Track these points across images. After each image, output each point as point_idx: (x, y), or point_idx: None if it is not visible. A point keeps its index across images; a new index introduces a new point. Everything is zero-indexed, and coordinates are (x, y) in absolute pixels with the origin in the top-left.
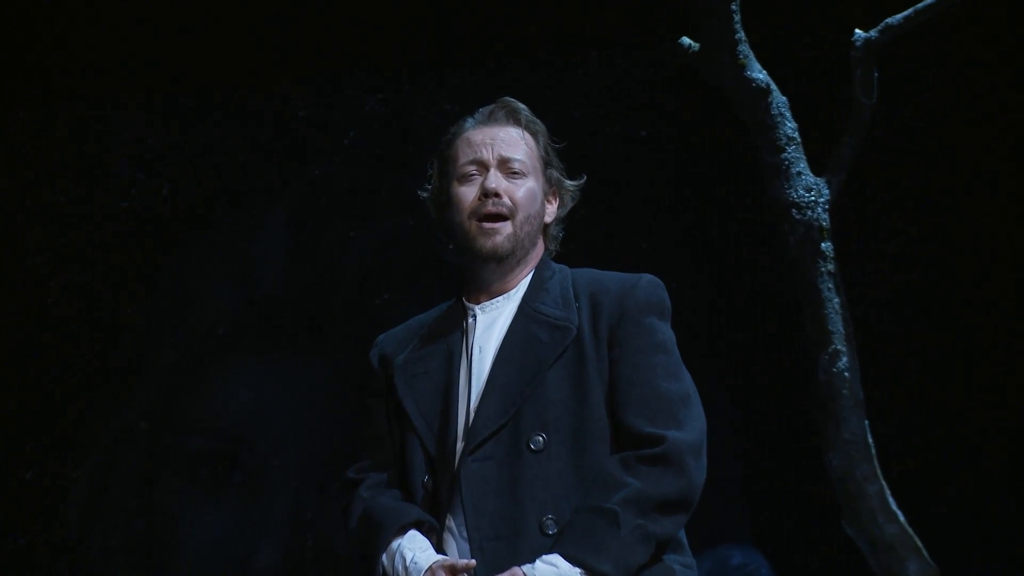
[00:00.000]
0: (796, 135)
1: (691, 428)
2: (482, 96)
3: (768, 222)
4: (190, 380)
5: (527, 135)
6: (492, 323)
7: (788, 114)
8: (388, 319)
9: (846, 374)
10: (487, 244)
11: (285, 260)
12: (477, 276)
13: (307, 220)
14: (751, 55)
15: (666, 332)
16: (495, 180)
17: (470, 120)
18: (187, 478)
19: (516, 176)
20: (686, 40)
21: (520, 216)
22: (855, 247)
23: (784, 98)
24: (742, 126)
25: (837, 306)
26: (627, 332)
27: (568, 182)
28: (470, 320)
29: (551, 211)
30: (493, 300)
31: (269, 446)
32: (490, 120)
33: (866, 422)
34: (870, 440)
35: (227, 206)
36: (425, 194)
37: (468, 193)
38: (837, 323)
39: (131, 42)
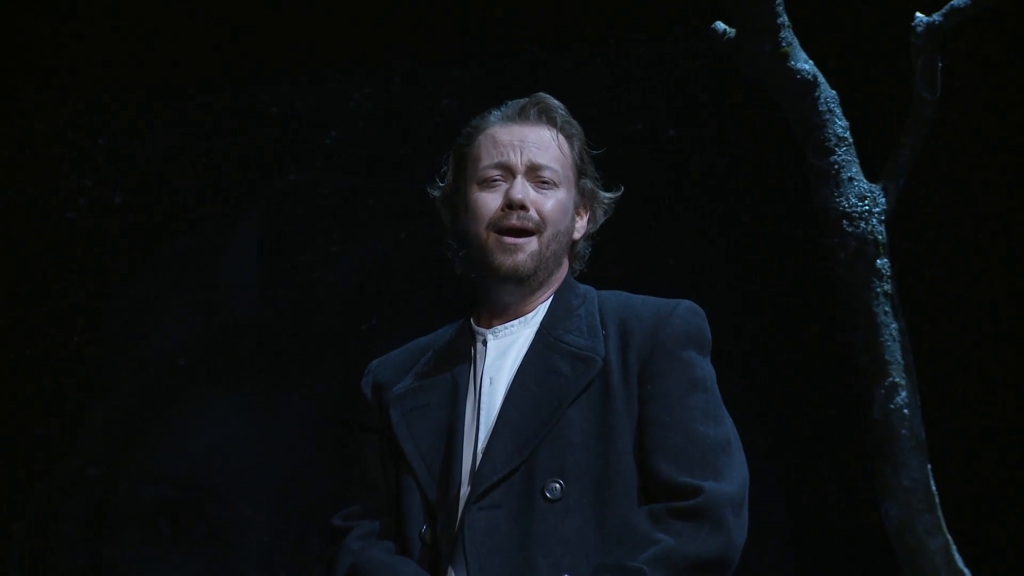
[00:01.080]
0: (847, 135)
1: (731, 479)
2: (485, 90)
3: (815, 235)
4: (146, 419)
5: (561, 139)
6: (505, 351)
7: (838, 110)
8: (376, 348)
9: (905, 411)
10: (507, 262)
11: (256, 280)
12: (491, 295)
13: (282, 234)
14: (795, 42)
15: (705, 368)
16: (522, 189)
17: (496, 114)
18: (143, 532)
19: (546, 186)
20: (720, 25)
21: (547, 232)
22: (916, 264)
23: (833, 92)
24: (785, 124)
25: (895, 332)
26: (661, 367)
27: (604, 194)
28: (479, 346)
29: (580, 226)
30: (507, 324)
31: (238, 494)
32: (520, 117)
33: (928, 466)
34: (933, 487)
35: (189, 218)
36: (437, 193)
37: (490, 201)
38: (895, 352)
39: (76, 29)
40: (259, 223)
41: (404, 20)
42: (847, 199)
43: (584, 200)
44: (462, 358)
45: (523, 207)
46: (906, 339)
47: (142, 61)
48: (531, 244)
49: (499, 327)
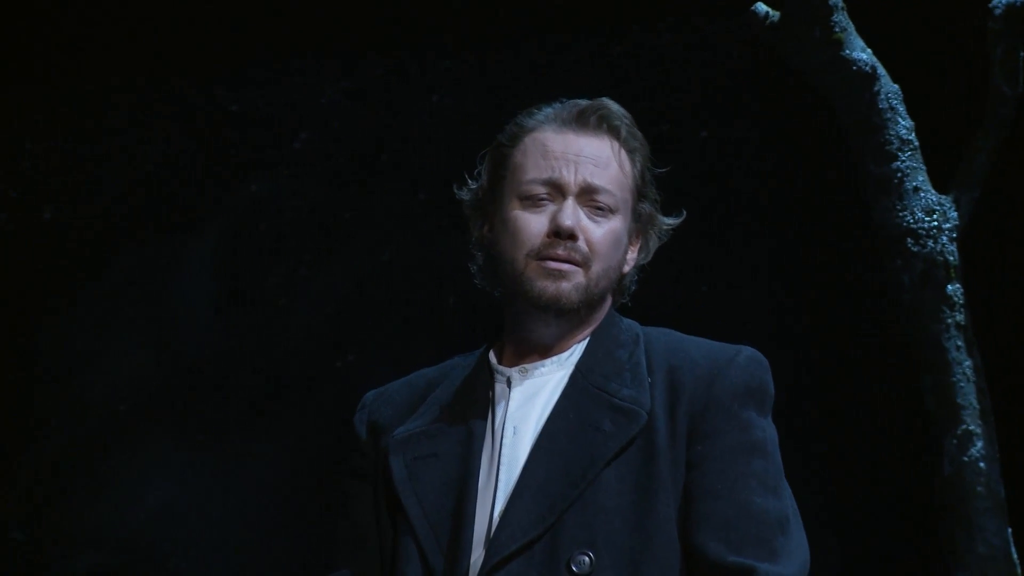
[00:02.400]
0: (912, 137)
1: (789, 561)
2: (484, 83)
3: (874, 257)
4: (82, 475)
5: (623, 155)
6: (533, 395)
7: (902, 108)
8: (354, 388)
9: (981, 464)
10: (548, 289)
11: (212, 309)
12: (521, 327)
13: (243, 253)
14: (851, 28)
15: (766, 429)
16: (572, 215)
17: (547, 112)
18: None
19: (600, 212)
20: (761, 7)
21: (596, 268)
22: (994, 291)
23: (896, 87)
24: (838, 125)
25: (969, 371)
26: (714, 425)
27: (664, 220)
28: (501, 387)
29: (631, 257)
30: (538, 363)
31: (189, 563)
32: (578, 124)
33: (1008, 530)
34: (1014, 555)
35: (132, 235)
36: (466, 196)
37: (533, 224)
38: (969, 395)
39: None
40: (216, 241)
41: (386, 2)
42: (912, 213)
43: (639, 227)
44: (479, 400)
45: (572, 236)
46: (982, 379)
47: (77, 53)
48: (577, 275)
49: (528, 365)
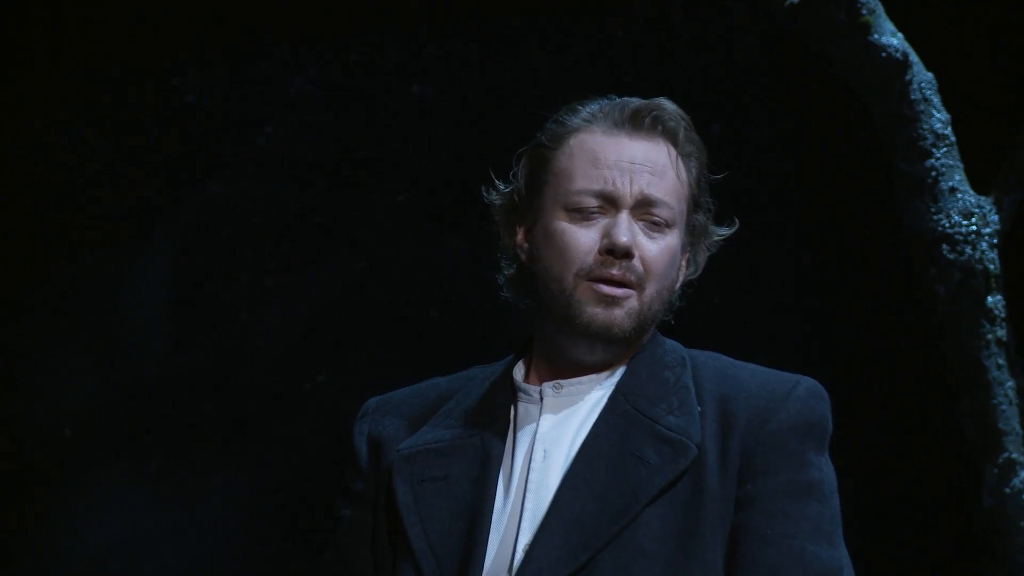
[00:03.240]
0: (949, 132)
1: None
2: (473, 71)
3: (906, 265)
4: (21, 510)
5: (680, 162)
6: (567, 417)
7: (936, 99)
8: (325, 412)
9: None
10: (599, 316)
11: (168, 325)
12: (558, 345)
13: (201, 263)
14: (880, 10)
15: (824, 469)
16: (627, 230)
17: (593, 110)
18: None
19: (657, 228)
20: None
21: (651, 289)
22: None
23: (930, 75)
24: (866, 118)
25: (1012, 393)
26: (768, 462)
27: (717, 230)
28: (528, 405)
29: (683, 272)
30: (575, 380)
31: None
32: (632, 125)
33: None
34: None
35: (79, 242)
36: (496, 200)
37: (583, 239)
38: (1012, 419)
39: None
40: (171, 248)
41: None
42: (948, 217)
43: (692, 240)
44: (498, 418)
45: (628, 254)
46: None
47: (13, 40)
48: (631, 300)
49: (563, 382)
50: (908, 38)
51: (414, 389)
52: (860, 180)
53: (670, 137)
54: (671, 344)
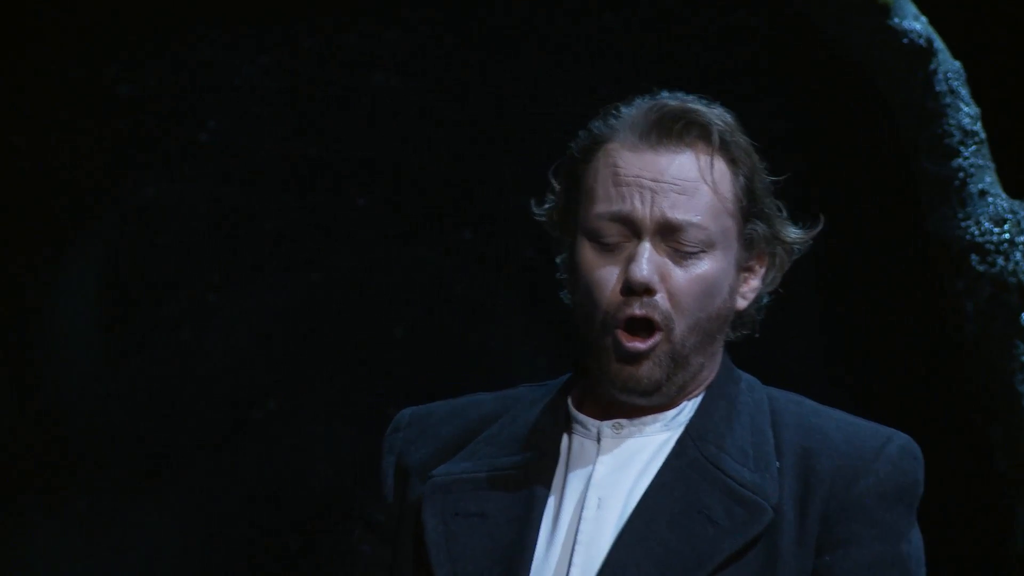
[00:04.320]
0: (978, 127)
1: None
2: (443, 59)
3: (931, 277)
4: None
5: (719, 171)
6: (627, 461)
7: (964, 91)
8: (276, 444)
9: None
10: (622, 374)
11: (96, 345)
12: (603, 386)
13: (136, 275)
14: None
15: (913, 540)
16: (647, 264)
17: (623, 116)
18: None
19: (687, 255)
20: None
21: (681, 326)
22: None
23: (957, 64)
24: (886, 111)
25: None
26: (852, 532)
27: (791, 232)
28: (584, 441)
29: (748, 290)
30: (636, 420)
31: None
32: (657, 136)
33: None
34: None
35: None
36: (543, 216)
37: (605, 275)
38: None
39: None
40: (102, 257)
41: None
42: (977, 223)
43: (755, 252)
44: (547, 453)
45: (648, 290)
46: None
47: None
48: (659, 346)
49: (624, 422)
50: (933, 22)
51: (454, 406)
52: (879, 182)
53: (704, 144)
54: (748, 380)
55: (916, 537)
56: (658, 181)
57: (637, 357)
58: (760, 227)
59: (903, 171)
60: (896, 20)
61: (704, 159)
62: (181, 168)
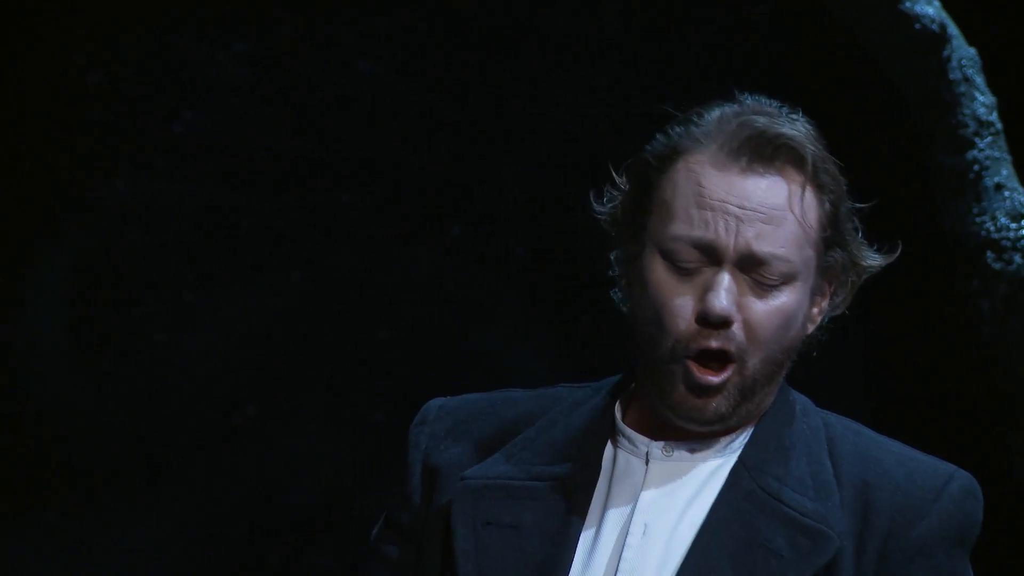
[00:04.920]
0: (994, 117)
1: None
2: (432, 47)
3: (946, 274)
4: None
5: (807, 199)
6: (677, 488)
7: (979, 80)
8: (255, 452)
9: None
10: (689, 404)
11: (68, 349)
12: (656, 406)
13: (107, 274)
14: None
15: None
16: (726, 293)
17: (710, 124)
18: None
19: (768, 289)
20: None
21: (755, 358)
22: None
23: (972, 51)
24: (898, 101)
25: None
26: (910, 574)
27: (870, 257)
28: (630, 458)
29: (818, 312)
30: (687, 444)
31: None
32: (748, 158)
33: None
34: None
35: None
36: (604, 212)
37: (678, 300)
38: None
39: None
40: (71, 256)
41: None
42: (993, 219)
43: (828, 279)
44: (590, 462)
45: (726, 322)
46: None
47: None
48: (730, 380)
49: (674, 444)
50: (947, 6)
51: (486, 401)
52: (891, 175)
53: (795, 169)
54: (803, 403)
55: None
56: (744, 208)
57: (708, 390)
58: (839, 254)
59: (917, 164)
60: (908, 4)
61: (794, 187)
62: (155, 161)
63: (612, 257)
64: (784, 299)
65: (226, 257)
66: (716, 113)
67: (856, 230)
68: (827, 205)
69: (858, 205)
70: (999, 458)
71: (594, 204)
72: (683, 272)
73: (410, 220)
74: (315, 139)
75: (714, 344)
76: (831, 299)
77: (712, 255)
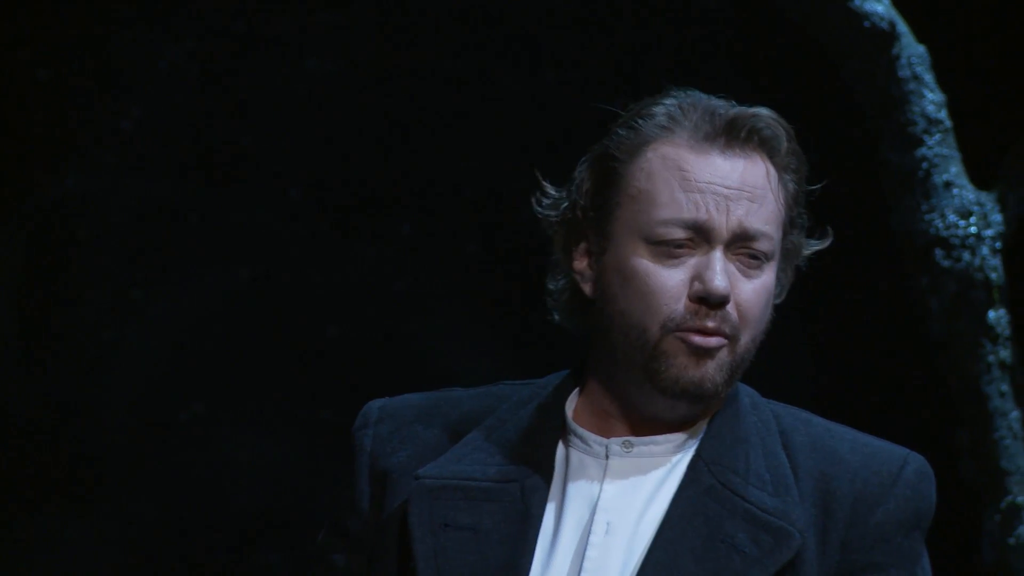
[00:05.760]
0: (943, 115)
1: None
2: (383, 42)
3: (894, 273)
4: None
5: (779, 180)
6: (637, 484)
7: (929, 77)
8: (203, 451)
9: None
10: (688, 371)
11: (12, 347)
12: (628, 395)
13: (53, 270)
14: None
15: (925, 562)
16: (723, 273)
17: (674, 112)
18: None
19: (755, 265)
20: None
21: (745, 338)
22: None
23: (922, 48)
24: (847, 98)
25: (1017, 426)
26: (871, 560)
27: (810, 244)
28: (584, 457)
29: (776, 295)
30: (647, 439)
31: None
32: (726, 139)
33: None
34: None
35: None
36: (551, 213)
37: (670, 283)
38: (1017, 457)
39: None
40: (16, 253)
41: None
42: (942, 216)
43: (785, 264)
44: (543, 464)
45: (723, 301)
46: None
47: None
48: (723, 351)
49: (633, 440)
50: (896, 4)
51: (429, 401)
52: (840, 173)
53: (768, 152)
54: (751, 395)
55: (927, 560)
56: (731, 188)
57: (705, 354)
58: (794, 238)
59: (866, 161)
60: (857, 2)
61: (769, 166)
62: (102, 157)
63: (555, 259)
64: (765, 278)
65: (173, 254)
66: (671, 102)
67: (805, 223)
68: (791, 186)
69: (811, 187)
70: (946, 457)
71: (537, 209)
72: (670, 256)
73: (360, 217)
74: (263, 136)
75: (710, 324)
76: (779, 286)
77: (705, 235)
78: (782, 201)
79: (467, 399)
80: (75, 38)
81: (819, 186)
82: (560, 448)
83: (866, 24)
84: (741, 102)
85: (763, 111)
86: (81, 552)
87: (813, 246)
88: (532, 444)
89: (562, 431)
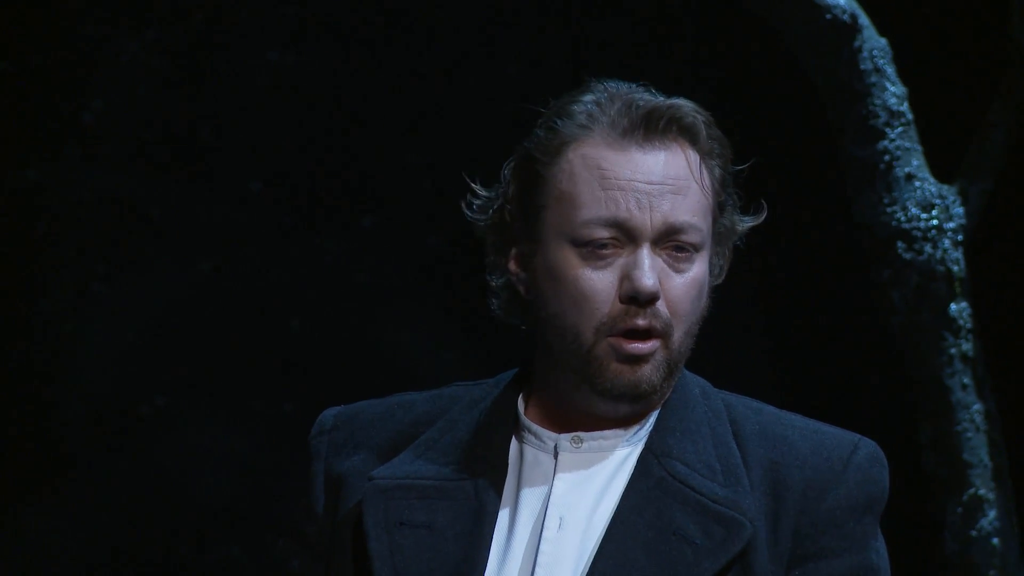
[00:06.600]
0: (905, 108)
1: None
2: (339, 36)
3: (857, 265)
4: None
5: (703, 167)
6: (588, 478)
7: (890, 70)
8: (163, 446)
9: (994, 540)
10: (623, 376)
11: None
12: (570, 396)
13: (14, 263)
14: None
15: (881, 550)
16: (651, 271)
17: (591, 109)
18: None
19: (683, 257)
20: None
21: (679, 333)
22: (1011, 312)
23: (883, 41)
24: (809, 91)
25: (979, 418)
26: (823, 546)
27: (743, 222)
28: (537, 452)
29: (712, 281)
30: (596, 434)
31: None
32: (642, 132)
33: None
34: None
35: None
36: (480, 217)
37: (599, 285)
38: (978, 449)
39: None
40: None
41: None
42: (904, 209)
43: (718, 248)
44: (495, 461)
45: (653, 300)
46: (996, 429)
47: None
48: (658, 353)
49: (583, 435)
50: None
51: (383, 406)
52: (803, 166)
53: (689, 140)
54: (702, 385)
55: (882, 544)
56: (652, 183)
57: (640, 359)
58: (726, 221)
59: (828, 154)
60: None
61: (691, 155)
62: (64, 150)
63: (490, 260)
64: (696, 270)
65: (135, 247)
66: (589, 98)
67: (737, 202)
68: (717, 171)
69: (738, 168)
70: (909, 450)
71: (468, 214)
72: (597, 257)
73: (321, 210)
74: (225, 128)
75: (640, 323)
76: (716, 269)
77: (629, 233)
78: (708, 187)
79: (421, 402)
80: (36, 30)
81: (747, 165)
82: (514, 444)
83: (828, 17)
84: (701, 96)
85: (680, 101)
86: (42, 544)
87: (748, 223)
88: (485, 442)
89: (515, 428)
